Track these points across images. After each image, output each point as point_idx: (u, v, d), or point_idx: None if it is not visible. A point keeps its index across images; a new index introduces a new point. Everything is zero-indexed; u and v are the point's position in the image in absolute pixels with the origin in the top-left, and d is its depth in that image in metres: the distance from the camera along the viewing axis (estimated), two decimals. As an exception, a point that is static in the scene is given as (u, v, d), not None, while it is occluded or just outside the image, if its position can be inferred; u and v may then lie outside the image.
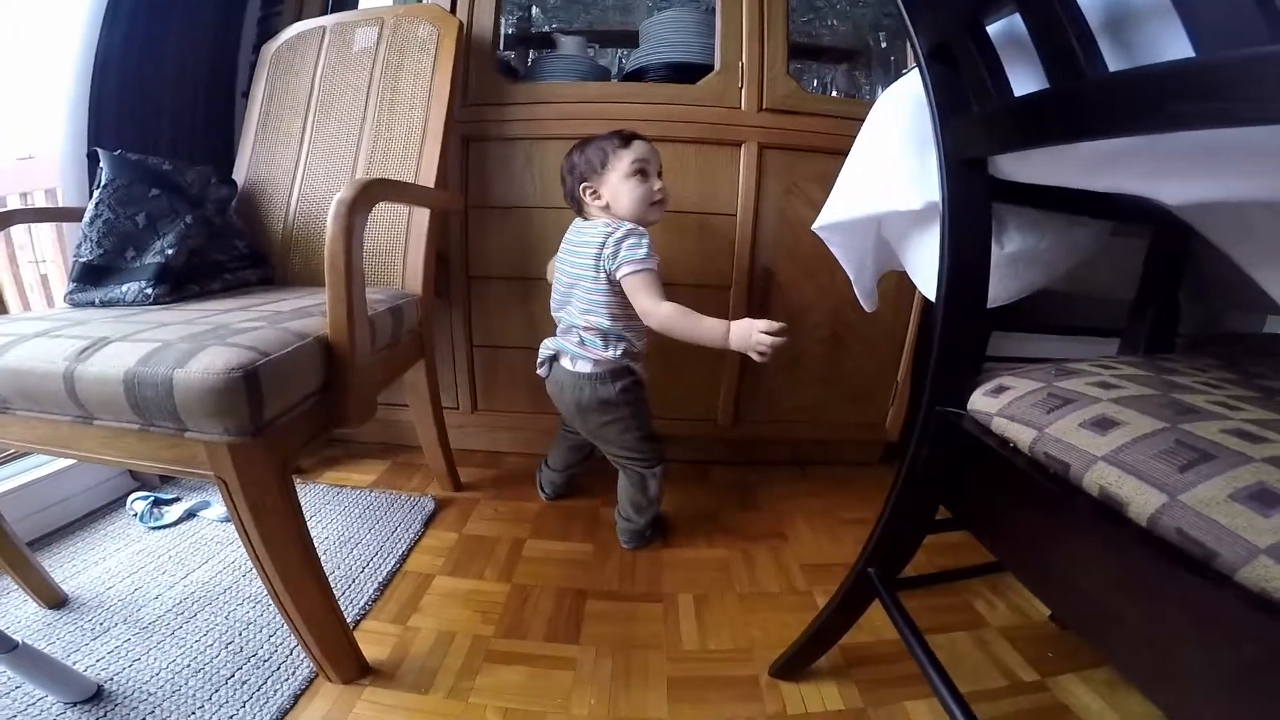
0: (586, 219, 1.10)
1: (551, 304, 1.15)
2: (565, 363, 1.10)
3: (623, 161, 1.05)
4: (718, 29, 1.30)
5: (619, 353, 1.07)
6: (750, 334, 0.91)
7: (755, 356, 0.90)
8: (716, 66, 1.30)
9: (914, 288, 1.40)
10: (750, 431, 1.50)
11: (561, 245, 1.12)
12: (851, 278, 0.87)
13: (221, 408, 0.60)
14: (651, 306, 0.98)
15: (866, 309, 0.90)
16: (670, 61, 1.40)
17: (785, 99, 1.30)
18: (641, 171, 1.05)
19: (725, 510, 1.35)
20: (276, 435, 0.67)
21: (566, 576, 1.09)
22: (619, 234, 1.00)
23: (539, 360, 1.15)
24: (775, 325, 0.90)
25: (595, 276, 1.03)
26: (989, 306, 0.60)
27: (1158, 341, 0.78)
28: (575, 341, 1.08)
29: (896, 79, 0.74)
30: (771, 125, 1.29)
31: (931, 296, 0.69)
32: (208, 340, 0.65)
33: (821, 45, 1.68)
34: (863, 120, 0.75)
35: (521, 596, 1.03)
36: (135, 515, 1.19)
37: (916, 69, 0.58)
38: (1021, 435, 0.47)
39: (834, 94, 1.59)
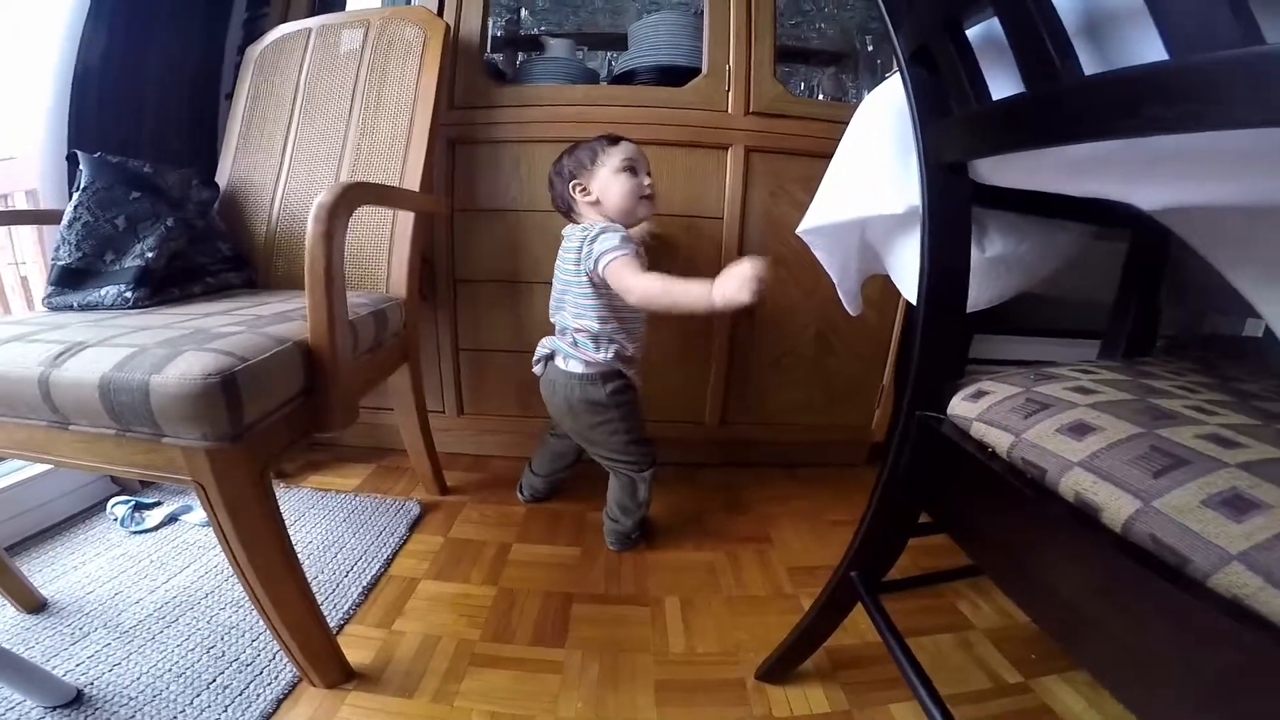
0: (576, 223, 1.11)
1: (550, 307, 1.15)
2: (559, 362, 1.11)
3: (613, 158, 1.06)
4: (705, 33, 1.30)
5: (610, 355, 1.07)
6: (735, 279, 0.85)
7: (749, 297, 0.84)
8: (704, 70, 1.30)
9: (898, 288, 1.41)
10: (737, 433, 1.50)
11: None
12: (835, 281, 0.87)
13: (199, 413, 0.59)
14: (632, 282, 0.97)
15: (851, 313, 0.90)
16: (659, 65, 1.40)
17: (772, 102, 1.30)
18: (631, 169, 1.06)
19: (712, 512, 1.35)
20: (255, 440, 0.66)
21: (553, 580, 1.09)
22: (593, 233, 1.01)
23: (535, 358, 1.15)
24: (756, 259, 0.85)
25: (580, 280, 1.04)
26: (971, 310, 0.60)
27: (1138, 344, 0.78)
28: (569, 342, 1.09)
29: (881, 82, 0.74)
30: (758, 129, 1.29)
31: (914, 300, 0.69)
32: (185, 345, 0.65)
33: (809, 49, 1.68)
34: (848, 123, 0.75)
35: (508, 600, 1.03)
36: (116, 519, 1.18)
37: (898, 73, 0.59)
38: (1000, 440, 0.47)
39: (820, 97, 1.60)
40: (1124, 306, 0.78)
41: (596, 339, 1.07)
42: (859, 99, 1.60)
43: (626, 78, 1.44)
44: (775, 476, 1.52)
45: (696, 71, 1.31)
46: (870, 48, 1.56)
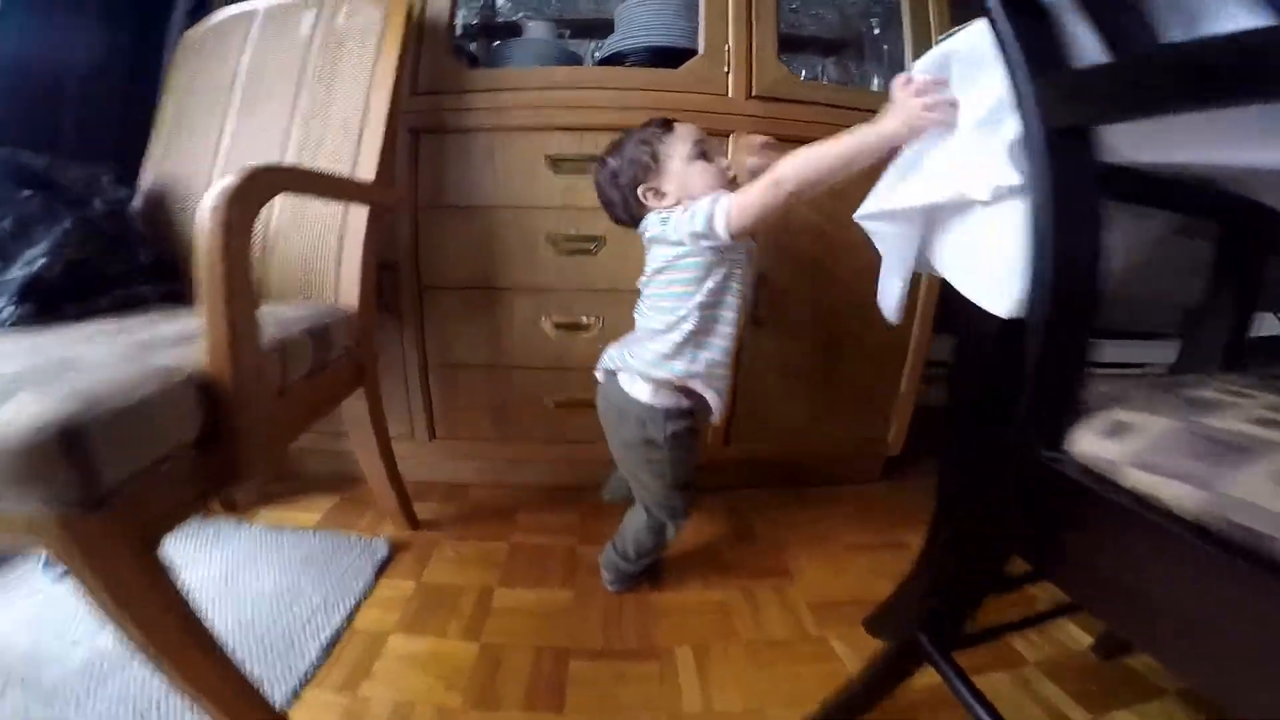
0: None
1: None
2: (623, 382, 0.94)
3: (680, 147, 0.90)
4: (701, 9, 1.18)
5: (695, 363, 0.89)
6: (907, 104, 0.66)
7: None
8: (700, 50, 1.18)
9: (917, 290, 1.29)
10: (742, 452, 1.37)
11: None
12: (881, 282, 0.74)
13: (31, 475, 0.44)
14: (769, 178, 0.79)
15: (891, 320, 0.77)
16: (650, 46, 1.27)
17: (776, 85, 1.18)
18: (704, 153, 0.90)
19: (720, 544, 1.22)
20: (128, 505, 0.51)
21: (544, 631, 0.95)
22: (680, 213, 0.86)
23: (599, 366, 0.99)
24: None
25: (681, 255, 0.87)
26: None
27: (1230, 351, 0.67)
28: (646, 359, 0.91)
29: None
30: (762, 114, 1.17)
31: (981, 301, 0.57)
32: (24, 385, 0.49)
33: (811, 36, 1.56)
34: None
35: (492, 658, 0.89)
36: (41, 564, 1.03)
37: (983, 19, 0.47)
38: (1182, 496, 0.34)
39: (825, 82, 1.48)
40: (1215, 309, 0.66)
41: (682, 336, 0.88)
42: (866, 83, 1.50)
43: (614, 61, 1.31)
44: (786, 499, 1.40)
45: (691, 53, 1.19)
46: (877, 30, 1.45)
